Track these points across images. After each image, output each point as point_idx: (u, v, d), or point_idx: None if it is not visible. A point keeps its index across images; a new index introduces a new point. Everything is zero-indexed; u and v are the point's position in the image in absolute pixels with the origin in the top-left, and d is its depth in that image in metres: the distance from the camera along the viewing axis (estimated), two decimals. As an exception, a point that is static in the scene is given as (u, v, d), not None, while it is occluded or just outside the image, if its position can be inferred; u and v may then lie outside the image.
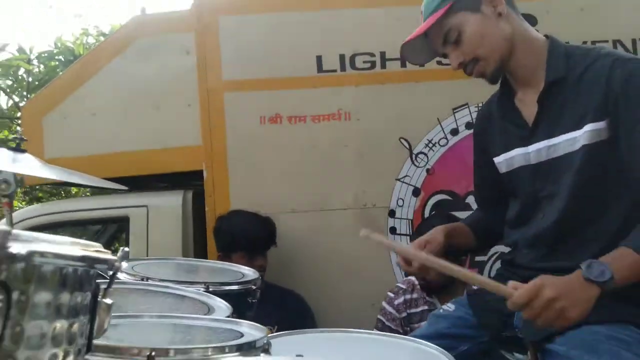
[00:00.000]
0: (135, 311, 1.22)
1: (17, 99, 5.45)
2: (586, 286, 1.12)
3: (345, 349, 1.05)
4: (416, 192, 2.56)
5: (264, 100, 2.55)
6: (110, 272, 0.63)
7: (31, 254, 0.50)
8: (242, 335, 0.94)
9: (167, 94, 2.62)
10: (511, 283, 1.18)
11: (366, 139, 2.56)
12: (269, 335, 1.23)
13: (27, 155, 1.37)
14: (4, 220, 1.50)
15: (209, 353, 0.78)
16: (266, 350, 0.86)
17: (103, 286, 0.66)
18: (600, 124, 1.25)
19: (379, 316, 2.32)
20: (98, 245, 0.62)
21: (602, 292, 1.12)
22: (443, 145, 2.58)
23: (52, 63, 5.18)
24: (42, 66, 5.38)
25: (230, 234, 2.35)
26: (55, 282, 0.54)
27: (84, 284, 0.59)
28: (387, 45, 2.55)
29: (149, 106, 2.62)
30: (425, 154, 2.57)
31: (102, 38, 5.51)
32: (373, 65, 2.58)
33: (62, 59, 5.17)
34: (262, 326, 1.02)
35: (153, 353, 0.73)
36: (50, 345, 0.55)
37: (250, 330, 0.98)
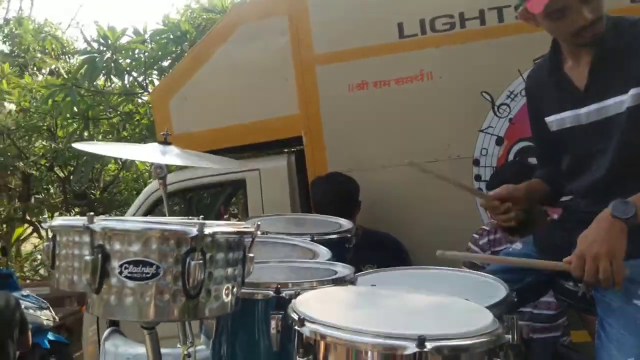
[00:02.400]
0: (262, 259, 1.65)
1: (135, 75, 6.16)
2: (614, 223, 1.32)
3: (416, 281, 1.37)
4: (499, 141, 2.73)
5: (351, 68, 2.82)
6: (251, 239, 1.02)
7: (214, 232, 0.90)
8: (336, 272, 1.32)
9: (268, 71, 2.99)
10: (565, 259, 1.38)
11: (449, 96, 2.74)
12: (375, 269, 1.59)
13: (172, 148, 1.84)
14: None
15: (314, 284, 1.17)
16: (352, 282, 1.23)
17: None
18: None
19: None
20: (244, 223, 1.02)
21: (629, 225, 1.31)
22: (525, 96, 2.71)
23: (163, 41, 5.77)
24: (153, 44, 5.99)
25: (311, 204, 2.71)
26: (225, 247, 0.95)
27: (239, 246, 1.00)
28: (465, 6, 2.70)
29: (253, 83, 3.01)
30: (508, 105, 2.72)
31: (203, 14, 5.98)
32: (452, 26, 2.73)
33: (171, 36, 5.74)
34: (351, 266, 1.38)
35: (279, 285, 1.13)
36: (225, 282, 0.97)
37: (343, 269, 1.35)
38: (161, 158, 1.75)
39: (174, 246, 0.90)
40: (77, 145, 1.78)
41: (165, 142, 1.85)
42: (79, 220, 1.01)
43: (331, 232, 2.01)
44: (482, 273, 1.58)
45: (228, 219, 5.84)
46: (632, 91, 1.43)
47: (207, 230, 0.90)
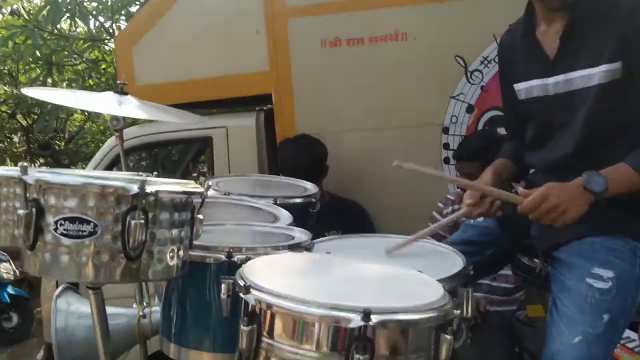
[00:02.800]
0: (220, 220, 1.60)
1: (102, 20, 5.88)
2: (584, 194, 1.32)
3: (375, 250, 1.35)
4: (470, 109, 2.70)
5: (324, 24, 2.71)
6: (200, 200, 0.97)
7: (157, 191, 0.84)
8: (293, 238, 1.28)
9: (237, 22, 2.85)
10: (521, 190, 1.39)
11: (422, 59, 2.68)
12: (334, 236, 1.57)
13: (129, 98, 1.74)
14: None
15: (268, 250, 1.13)
16: (309, 249, 1.19)
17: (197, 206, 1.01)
18: (615, 65, 1.37)
19: (429, 224, 2.61)
20: (193, 183, 0.96)
21: (596, 200, 1.32)
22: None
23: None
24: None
25: (279, 164, 2.66)
26: (170, 207, 0.89)
27: (186, 207, 0.94)
28: (445, -36, 2.61)
29: (222, 34, 2.88)
30: (480, 71, 2.67)
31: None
32: (430, -17, 2.65)
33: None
34: (308, 232, 1.34)
35: (231, 249, 1.09)
36: (170, 244, 0.91)
37: (300, 234, 1.31)
38: (117, 109, 1.65)
39: (113, 203, 0.84)
40: (26, 91, 1.68)
41: (122, 92, 1.75)
42: (16, 171, 0.94)
43: (295, 196, 1.97)
44: (440, 244, 1.57)
45: (197, 177, 5.74)
46: (603, 67, 1.39)
47: (149, 189, 0.84)
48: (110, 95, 1.72)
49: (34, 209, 0.85)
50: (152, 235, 0.87)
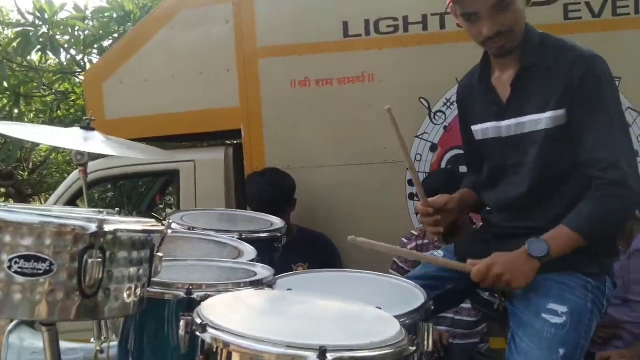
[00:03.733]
0: (183, 255, 1.60)
1: (74, 53, 5.87)
2: (529, 260, 1.41)
3: (336, 285, 1.37)
4: (433, 147, 2.79)
5: (294, 65, 2.79)
6: (160, 238, 0.98)
7: (116, 230, 0.85)
8: (255, 274, 1.29)
9: (209, 60, 2.91)
10: (469, 261, 1.47)
11: (388, 99, 2.73)
12: (298, 271, 1.58)
13: (95, 133, 1.75)
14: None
15: (229, 287, 1.14)
16: (270, 286, 1.20)
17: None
18: (560, 112, 1.46)
19: (394, 258, 2.64)
20: (153, 221, 0.97)
21: (542, 264, 1.41)
22: (458, 104, 2.78)
23: (106, 19, 5.52)
24: (95, 22, 5.73)
25: (246, 198, 2.68)
26: (128, 245, 0.90)
27: (145, 245, 0.95)
28: (410, 10, 2.73)
29: (193, 72, 2.93)
30: (444, 112, 2.78)
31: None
32: (396, 29, 2.77)
33: (114, 15, 5.50)
34: (271, 268, 1.36)
35: (190, 286, 1.09)
36: (127, 282, 0.92)
37: (263, 271, 1.32)
38: (83, 145, 1.65)
39: (70, 242, 0.84)
40: (-11, 125, 1.66)
41: (88, 128, 1.76)
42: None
43: (261, 231, 1.98)
44: (402, 278, 1.60)
45: (163, 209, 5.68)
46: (549, 113, 1.47)
47: (107, 227, 0.85)
48: (75, 131, 1.72)
49: (-14, 247, 0.85)
50: (110, 274, 0.87)
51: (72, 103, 6.21)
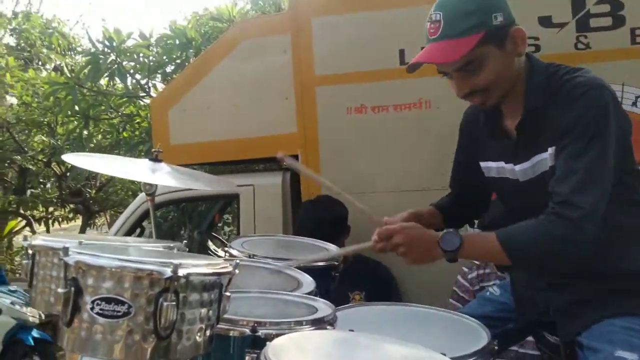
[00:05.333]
0: (243, 284, 1.64)
1: (139, 77, 6.18)
2: (434, 248, 1.36)
3: (394, 322, 1.37)
4: (489, 174, 2.74)
5: (350, 92, 2.83)
6: (228, 279, 1.02)
7: (188, 274, 0.90)
8: (316, 310, 1.31)
9: (268, 89, 3.00)
10: (385, 219, 1.47)
11: (445, 126, 2.75)
12: (356, 304, 1.59)
13: (162, 165, 1.84)
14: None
15: (292, 325, 1.17)
16: (331, 323, 1.22)
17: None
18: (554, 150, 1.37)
19: (454, 288, 2.59)
20: (222, 261, 1.02)
21: (447, 259, 1.36)
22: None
23: (169, 46, 5.79)
24: (159, 48, 6.01)
25: (297, 226, 2.71)
26: (199, 288, 0.95)
27: (214, 286, 0.99)
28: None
29: (253, 99, 3.03)
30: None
31: (211, 22, 6.01)
32: (452, 55, 2.75)
33: (177, 42, 5.76)
34: (331, 304, 1.37)
35: (255, 324, 1.13)
36: (199, 322, 0.96)
37: (324, 307, 1.34)
38: (150, 177, 1.74)
39: (147, 286, 0.90)
40: (67, 158, 1.78)
41: (156, 160, 1.85)
42: (59, 242, 1.00)
43: (318, 259, 2.00)
44: (465, 316, 1.57)
45: (221, 228, 5.83)
46: (550, 150, 1.39)
47: (181, 272, 0.90)
48: (145, 163, 1.82)
49: (72, 288, 0.91)
50: (183, 316, 0.92)
51: (137, 125, 6.51)
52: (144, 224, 3.23)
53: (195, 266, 0.94)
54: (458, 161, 1.78)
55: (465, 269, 2.56)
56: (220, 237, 4.34)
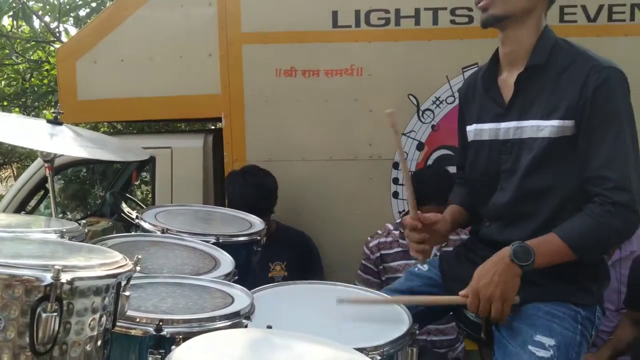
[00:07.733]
0: (154, 266, 1.50)
1: (48, 20, 5.60)
2: (511, 266, 1.34)
3: (315, 302, 1.31)
4: (420, 146, 2.72)
5: (279, 53, 2.67)
6: (127, 278, 0.88)
7: (73, 279, 0.75)
8: (233, 300, 1.20)
9: (189, 44, 2.75)
10: (461, 293, 1.41)
11: (376, 94, 2.69)
12: (274, 284, 1.51)
13: (63, 128, 1.62)
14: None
15: (203, 323, 1.05)
16: (248, 317, 1.12)
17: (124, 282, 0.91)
18: (568, 122, 1.37)
19: (362, 258, 2.58)
20: (121, 257, 0.87)
21: (524, 271, 1.34)
22: (450, 103, 2.69)
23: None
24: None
25: (227, 198, 2.56)
26: (89, 292, 0.80)
27: (109, 288, 0.85)
28: (402, 2, 2.62)
29: (173, 54, 2.77)
30: (432, 111, 2.70)
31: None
32: (387, 22, 2.66)
33: (92, -18, 5.24)
34: (249, 291, 1.27)
35: (160, 322, 1.00)
36: (89, 330, 0.82)
37: (241, 294, 1.24)
38: (48, 143, 1.52)
39: (20, 294, 0.74)
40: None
41: (55, 122, 1.63)
42: None
43: (239, 234, 1.88)
44: (383, 294, 1.54)
45: (139, 186, 5.52)
46: (555, 122, 1.38)
47: (64, 277, 0.74)
48: (42, 125, 1.59)
49: None
50: (67, 326, 0.77)
51: (46, 73, 5.95)
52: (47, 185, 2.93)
53: (84, 268, 0.79)
54: (461, 140, 1.73)
55: (369, 238, 2.54)
56: (136, 200, 4.08)
